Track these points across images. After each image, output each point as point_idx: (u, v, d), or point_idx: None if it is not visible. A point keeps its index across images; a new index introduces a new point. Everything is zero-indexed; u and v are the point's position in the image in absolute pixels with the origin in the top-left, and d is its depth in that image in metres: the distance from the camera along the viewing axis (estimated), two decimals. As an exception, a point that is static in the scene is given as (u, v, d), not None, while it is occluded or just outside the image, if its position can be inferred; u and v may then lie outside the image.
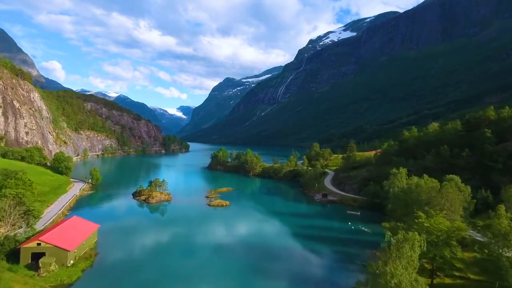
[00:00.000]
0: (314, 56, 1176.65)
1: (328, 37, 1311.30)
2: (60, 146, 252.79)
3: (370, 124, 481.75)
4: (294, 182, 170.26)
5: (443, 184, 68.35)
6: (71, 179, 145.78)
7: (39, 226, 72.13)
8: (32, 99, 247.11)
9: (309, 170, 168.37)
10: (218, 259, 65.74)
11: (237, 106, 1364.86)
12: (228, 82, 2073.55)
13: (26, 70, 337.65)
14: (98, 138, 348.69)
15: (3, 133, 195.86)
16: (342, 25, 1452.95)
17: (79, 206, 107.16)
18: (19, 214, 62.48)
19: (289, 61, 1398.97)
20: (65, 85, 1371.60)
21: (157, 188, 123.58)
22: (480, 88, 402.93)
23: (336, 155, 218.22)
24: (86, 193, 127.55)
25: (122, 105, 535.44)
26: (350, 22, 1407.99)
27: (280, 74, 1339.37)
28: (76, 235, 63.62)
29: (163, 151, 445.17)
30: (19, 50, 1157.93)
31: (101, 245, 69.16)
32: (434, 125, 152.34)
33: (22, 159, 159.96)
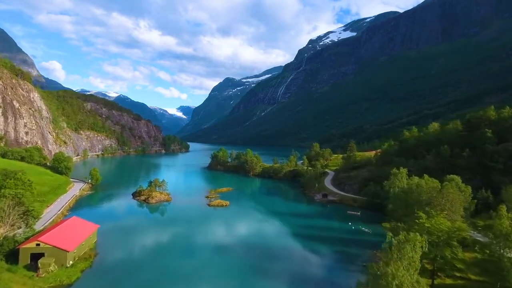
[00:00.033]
0: (314, 56, 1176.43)
1: (328, 37, 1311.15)
2: (60, 146, 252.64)
3: (370, 124, 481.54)
4: (294, 182, 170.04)
5: (444, 184, 68.10)
6: (71, 179, 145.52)
7: (38, 226, 71.90)
8: (32, 99, 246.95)
9: (309, 170, 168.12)
10: (218, 259, 65.55)
11: (237, 106, 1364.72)
12: (228, 82, 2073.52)
13: (26, 70, 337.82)
14: (98, 138, 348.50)
15: (2, 133, 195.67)
16: (342, 25, 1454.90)
17: (78, 206, 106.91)
18: (18, 215, 62.24)
19: (289, 61, 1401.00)
20: (65, 85, 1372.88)
21: (157, 188, 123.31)
22: (480, 88, 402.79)
23: (336, 155, 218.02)
24: (85, 193, 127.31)
25: (122, 105, 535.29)
26: (350, 22, 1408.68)
27: (280, 74, 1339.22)
28: (76, 236, 63.40)
29: (163, 151, 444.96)
30: (19, 50, 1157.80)
31: (100, 245, 68.93)
32: (434, 125, 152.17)
33: (22, 159, 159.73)
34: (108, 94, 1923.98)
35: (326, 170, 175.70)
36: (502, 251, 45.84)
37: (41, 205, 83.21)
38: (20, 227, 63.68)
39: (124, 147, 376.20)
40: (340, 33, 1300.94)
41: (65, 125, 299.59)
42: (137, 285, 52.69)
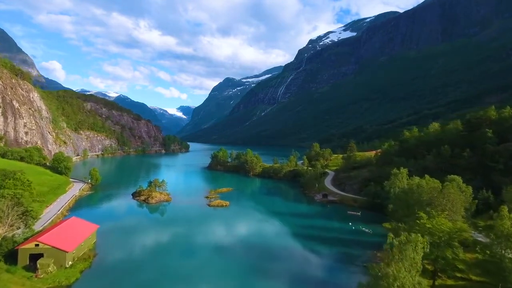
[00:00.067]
0: (314, 56, 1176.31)
1: (328, 37, 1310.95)
2: (59, 146, 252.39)
3: (370, 124, 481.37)
4: (294, 182, 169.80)
5: (445, 185, 67.83)
6: (71, 179, 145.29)
7: (37, 226, 71.63)
8: (32, 99, 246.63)
9: (309, 170, 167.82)
10: (218, 259, 65.39)
11: (237, 106, 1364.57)
12: (228, 82, 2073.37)
13: (26, 70, 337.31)
14: (98, 138, 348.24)
15: (2, 133, 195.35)
16: (342, 25, 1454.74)
17: (78, 206, 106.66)
18: (17, 215, 61.95)
19: (289, 61, 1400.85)
20: (65, 85, 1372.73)
21: (157, 188, 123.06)
22: (480, 88, 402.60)
23: (336, 155, 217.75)
24: (85, 193, 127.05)
25: (122, 105, 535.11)
26: (350, 22, 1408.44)
27: (280, 74, 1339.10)
28: (75, 236, 63.14)
29: (163, 151, 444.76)
30: (19, 50, 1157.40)
31: (100, 245, 68.68)
32: (434, 125, 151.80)
33: (22, 159, 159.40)
34: (108, 94, 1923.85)
35: (326, 170, 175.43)
36: (503, 251, 45.66)
37: (40, 205, 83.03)
38: (19, 228, 63.37)
39: (124, 147, 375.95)
40: (340, 33, 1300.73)
41: (65, 125, 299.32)
42: (137, 286, 52.46)
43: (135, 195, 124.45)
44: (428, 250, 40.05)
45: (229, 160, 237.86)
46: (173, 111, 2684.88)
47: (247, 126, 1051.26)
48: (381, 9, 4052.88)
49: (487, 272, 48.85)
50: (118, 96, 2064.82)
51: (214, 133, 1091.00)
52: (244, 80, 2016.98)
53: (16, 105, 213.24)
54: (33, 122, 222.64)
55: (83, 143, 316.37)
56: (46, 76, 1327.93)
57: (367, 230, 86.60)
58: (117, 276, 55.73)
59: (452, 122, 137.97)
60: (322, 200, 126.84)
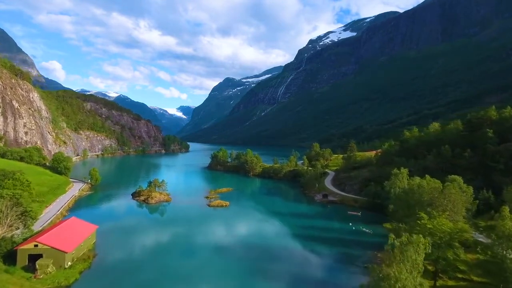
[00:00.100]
0: (314, 56, 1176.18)
1: (328, 37, 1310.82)
2: (59, 146, 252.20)
3: (370, 124, 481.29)
4: (294, 182, 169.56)
5: (446, 185, 67.58)
6: (70, 179, 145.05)
7: (37, 227, 71.39)
8: (32, 99, 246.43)
9: (309, 170, 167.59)
10: (218, 259, 65.23)
11: (237, 106, 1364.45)
12: (228, 82, 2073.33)
13: (26, 70, 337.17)
14: (98, 138, 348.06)
15: (2, 133, 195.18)
16: (342, 25, 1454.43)
17: (78, 206, 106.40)
18: (16, 215, 61.68)
19: (289, 61, 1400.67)
20: (65, 85, 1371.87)
21: (157, 189, 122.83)
22: (480, 88, 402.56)
23: (336, 155, 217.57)
24: (85, 193, 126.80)
25: (122, 105, 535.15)
26: (350, 22, 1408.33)
27: (280, 74, 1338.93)
28: (74, 236, 62.90)
29: (163, 151, 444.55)
30: (19, 50, 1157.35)
31: (99, 246, 68.46)
32: (435, 125, 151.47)
33: (21, 159, 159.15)
34: (108, 94, 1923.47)
35: (326, 170, 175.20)
36: (505, 252, 45.42)
37: (40, 206, 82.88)
38: (18, 228, 63.14)
39: (124, 147, 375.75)
40: (340, 33, 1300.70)
41: (65, 125, 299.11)
42: (136, 286, 52.25)
43: (135, 195, 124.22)
44: (429, 251, 39.76)
45: (229, 160, 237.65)
46: (173, 111, 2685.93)
47: (247, 126, 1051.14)
48: (381, 9, 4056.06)
49: (488, 273, 48.66)
50: (118, 96, 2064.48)
51: (214, 133, 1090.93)
52: (244, 80, 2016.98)
53: (16, 105, 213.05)
54: (33, 122, 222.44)
55: (83, 143, 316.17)
56: (46, 76, 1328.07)
57: (367, 230, 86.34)
58: (117, 276, 55.50)
59: (453, 122, 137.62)
60: (322, 200, 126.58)
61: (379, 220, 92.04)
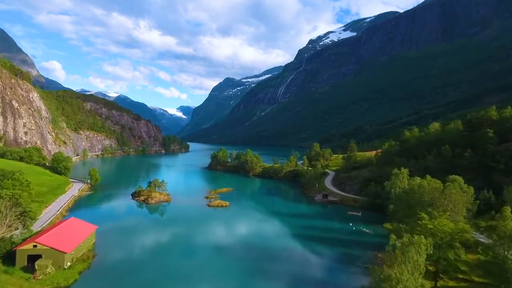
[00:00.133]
0: (314, 56, 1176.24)
1: (328, 37, 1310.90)
2: (59, 146, 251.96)
3: (370, 124, 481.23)
4: (294, 182, 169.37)
5: (446, 185, 67.37)
6: (70, 180, 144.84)
7: (36, 227, 71.15)
8: (31, 99, 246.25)
9: (310, 170, 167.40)
10: (218, 259, 65.07)
11: (237, 106, 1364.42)
12: (228, 82, 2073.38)
13: (26, 70, 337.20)
14: (98, 138, 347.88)
15: (1, 133, 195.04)
16: (342, 25, 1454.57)
17: (77, 206, 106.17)
18: (15, 216, 61.52)
19: (289, 61, 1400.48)
20: (65, 85, 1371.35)
21: (157, 189, 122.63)
22: (480, 88, 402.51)
23: (336, 155, 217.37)
24: (85, 193, 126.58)
25: (122, 105, 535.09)
26: (350, 22, 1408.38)
27: (280, 74, 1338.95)
28: (74, 237, 62.68)
29: (163, 151, 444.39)
30: (19, 50, 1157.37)
31: (99, 246, 68.25)
32: (435, 125, 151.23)
33: (21, 159, 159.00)
34: (108, 94, 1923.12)
35: (326, 170, 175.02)
36: (506, 252, 45.20)
37: (39, 206, 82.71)
38: (17, 228, 62.97)
39: (124, 147, 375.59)
40: (340, 33, 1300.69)
41: (65, 125, 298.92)
42: (136, 286, 52.07)
43: (134, 195, 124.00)
44: (431, 252, 39.55)
45: (229, 160, 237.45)
46: (173, 111, 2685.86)
47: (247, 126, 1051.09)
48: (381, 9, 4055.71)
49: (490, 273, 48.36)
50: (118, 96, 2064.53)
51: (214, 133, 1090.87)
52: (244, 80, 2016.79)
53: (16, 105, 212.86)
54: (33, 122, 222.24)
55: (83, 143, 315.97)
56: (46, 76, 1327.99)
57: (367, 230, 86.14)
58: (117, 276, 55.31)
59: (453, 122, 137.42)
60: (322, 201, 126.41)
61: (379, 220, 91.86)
